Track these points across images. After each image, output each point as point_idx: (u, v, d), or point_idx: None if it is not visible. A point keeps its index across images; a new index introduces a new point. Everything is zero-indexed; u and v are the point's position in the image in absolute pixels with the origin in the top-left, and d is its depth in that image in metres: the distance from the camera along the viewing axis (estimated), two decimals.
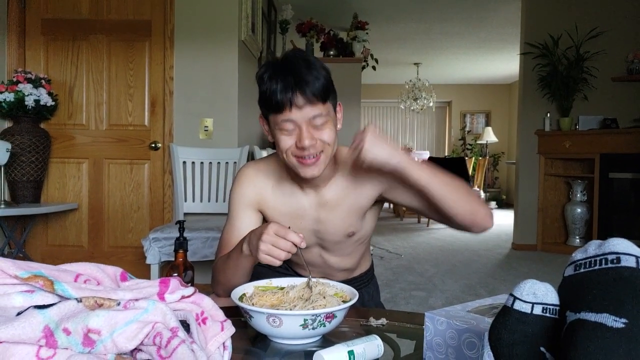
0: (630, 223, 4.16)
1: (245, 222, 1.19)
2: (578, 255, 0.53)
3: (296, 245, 0.93)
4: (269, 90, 0.99)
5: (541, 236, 4.71)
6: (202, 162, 2.93)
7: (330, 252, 1.25)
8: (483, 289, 3.29)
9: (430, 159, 6.45)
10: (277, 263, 0.93)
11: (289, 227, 0.94)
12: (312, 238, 1.22)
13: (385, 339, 0.87)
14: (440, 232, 5.98)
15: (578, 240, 4.53)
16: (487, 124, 9.77)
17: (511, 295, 0.53)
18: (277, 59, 1.03)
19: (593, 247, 0.52)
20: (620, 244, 0.50)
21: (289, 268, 1.38)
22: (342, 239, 1.19)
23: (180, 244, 1.00)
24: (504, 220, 7.13)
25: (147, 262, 2.37)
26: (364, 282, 1.36)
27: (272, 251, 0.92)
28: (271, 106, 1.01)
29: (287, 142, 1.03)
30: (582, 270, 0.52)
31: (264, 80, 1.01)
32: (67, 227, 3.08)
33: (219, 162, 2.94)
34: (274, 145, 3.75)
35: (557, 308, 0.52)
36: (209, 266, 2.57)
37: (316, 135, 1.02)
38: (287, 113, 0.99)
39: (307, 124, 1.01)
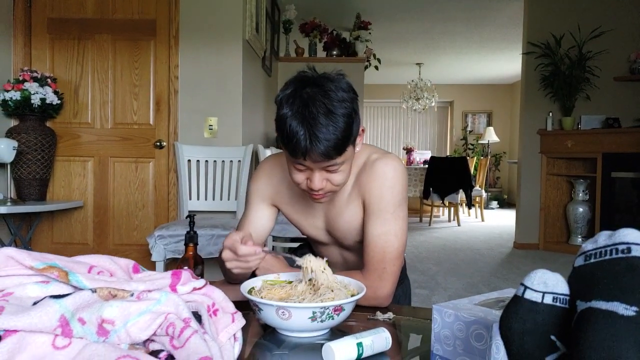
0: (632, 222, 4.16)
1: (258, 216, 1.21)
2: (588, 245, 0.54)
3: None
4: (286, 135, 0.95)
5: (543, 235, 4.71)
6: (206, 161, 2.94)
7: (349, 251, 1.24)
8: (485, 287, 3.29)
9: (432, 158, 6.46)
10: (252, 269, 0.99)
11: (243, 238, 0.96)
12: (327, 237, 1.22)
13: (392, 333, 0.87)
14: (443, 231, 5.98)
15: (580, 240, 4.53)
16: (489, 123, 9.77)
17: (522, 284, 0.54)
18: (301, 92, 0.95)
19: (603, 238, 0.52)
20: (630, 234, 0.50)
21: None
22: (357, 238, 1.17)
23: (191, 237, 1.01)
24: (505, 219, 7.13)
25: (152, 259, 2.38)
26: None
27: (240, 266, 0.96)
28: (286, 147, 0.97)
29: (298, 178, 1.03)
30: (592, 260, 0.52)
31: (284, 117, 0.95)
32: (73, 225, 3.09)
33: (223, 161, 2.95)
34: (278, 144, 3.76)
35: (568, 298, 0.52)
36: (215, 263, 2.57)
37: (328, 177, 1.01)
38: (302, 160, 0.97)
39: (320, 169, 0.99)
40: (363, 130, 1.07)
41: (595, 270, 0.51)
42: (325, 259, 0.97)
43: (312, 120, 0.92)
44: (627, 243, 0.50)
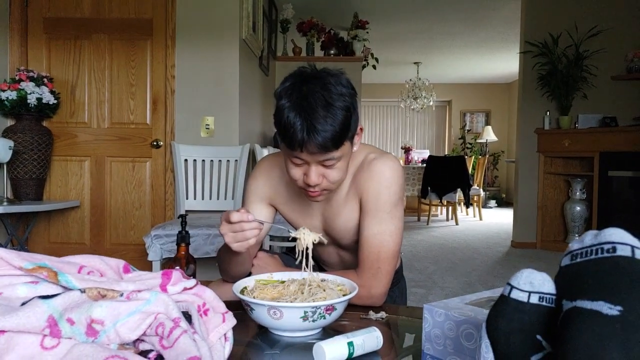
0: (629, 221, 4.17)
1: (254, 215, 1.21)
2: (575, 245, 0.54)
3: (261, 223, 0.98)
4: (283, 126, 0.95)
5: (541, 234, 4.72)
6: (203, 160, 2.94)
7: (346, 251, 1.24)
8: (482, 286, 3.29)
9: (430, 157, 6.46)
10: (251, 243, 0.95)
11: (239, 209, 0.96)
12: (324, 236, 1.21)
13: (384, 332, 0.88)
14: (440, 230, 5.99)
15: (577, 239, 4.52)
16: (487, 122, 9.77)
17: (508, 284, 0.54)
18: (300, 86, 0.96)
19: (589, 237, 0.53)
20: (615, 234, 0.51)
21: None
22: (354, 238, 1.17)
23: (183, 237, 1.01)
24: (503, 218, 7.14)
25: (149, 259, 2.38)
26: (392, 283, 1.29)
27: (237, 237, 0.94)
28: (283, 141, 0.97)
29: (295, 173, 1.02)
30: (578, 259, 0.53)
31: (281, 108, 0.95)
32: (69, 225, 3.09)
33: (220, 160, 2.95)
34: (275, 143, 3.74)
35: (554, 297, 0.53)
36: (211, 263, 2.57)
37: (324, 173, 1.00)
38: (298, 152, 0.97)
39: (317, 163, 0.99)
40: (361, 129, 1.06)
41: (580, 269, 0.51)
42: (320, 234, 0.99)
43: (310, 111, 0.92)
44: (612, 242, 0.50)
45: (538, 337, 0.52)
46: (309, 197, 1.06)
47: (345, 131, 0.96)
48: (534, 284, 0.53)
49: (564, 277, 0.53)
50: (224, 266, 1.15)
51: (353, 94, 0.98)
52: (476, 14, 5.66)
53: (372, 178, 1.09)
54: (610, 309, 0.46)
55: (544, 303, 0.52)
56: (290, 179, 1.05)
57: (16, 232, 2.80)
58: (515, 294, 0.53)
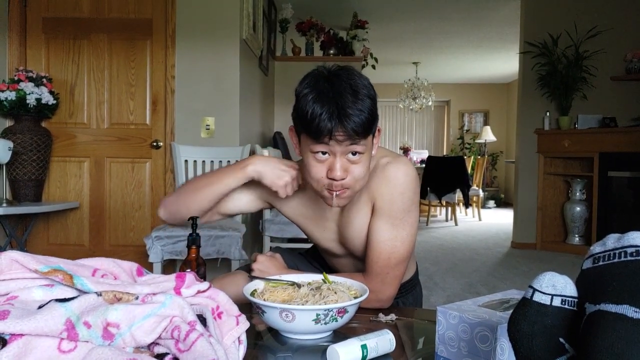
0: (629, 221, 4.18)
1: (236, 197, 1.21)
2: (597, 248, 0.54)
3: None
4: (310, 115, 0.92)
5: (540, 235, 4.73)
6: (203, 161, 2.93)
7: (362, 262, 1.19)
8: (483, 287, 3.30)
9: (429, 158, 6.47)
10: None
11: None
12: (339, 247, 1.20)
13: (395, 334, 0.87)
14: (440, 230, 6.00)
15: (577, 239, 4.55)
16: (486, 123, 9.79)
17: (530, 287, 0.54)
18: (324, 77, 0.96)
19: (612, 241, 0.52)
20: (639, 237, 0.50)
21: (325, 265, 1.35)
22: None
23: (194, 240, 1.00)
24: (502, 219, 7.15)
25: (150, 260, 2.37)
26: (406, 290, 1.29)
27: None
28: (309, 132, 0.95)
29: (319, 171, 0.98)
30: (601, 263, 0.52)
31: (306, 99, 0.94)
32: (69, 226, 3.08)
33: (220, 161, 2.94)
34: (274, 144, 3.70)
35: (576, 300, 0.52)
36: (212, 264, 2.56)
37: (349, 168, 0.97)
38: (325, 145, 0.94)
39: (342, 155, 0.96)
40: (379, 131, 1.05)
41: (604, 272, 0.51)
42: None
43: (338, 98, 0.92)
44: (636, 246, 0.50)
45: (561, 340, 0.52)
46: (330, 200, 1.01)
47: (372, 119, 0.95)
48: (556, 287, 0.52)
49: (586, 280, 0.53)
50: (186, 196, 1.17)
51: (374, 95, 1.00)
52: (475, 14, 5.67)
53: (386, 183, 1.06)
54: (635, 312, 0.46)
55: (566, 306, 0.52)
56: (311, 179, 1.01)
57: (15, 233, 2.79)
58: (538, 297, 0.52)
